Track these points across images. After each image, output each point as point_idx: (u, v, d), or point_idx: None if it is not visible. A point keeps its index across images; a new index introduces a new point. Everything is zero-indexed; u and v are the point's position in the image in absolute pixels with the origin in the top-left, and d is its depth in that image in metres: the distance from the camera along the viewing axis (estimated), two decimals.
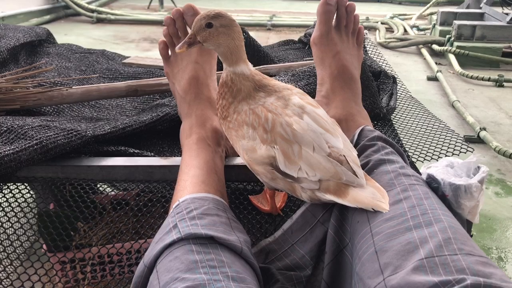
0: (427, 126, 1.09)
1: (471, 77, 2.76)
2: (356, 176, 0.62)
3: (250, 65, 0.70)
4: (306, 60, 1.27)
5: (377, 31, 3.95)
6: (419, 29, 4.07)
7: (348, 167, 0.63)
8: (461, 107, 2.31)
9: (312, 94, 1.01)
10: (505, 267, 1.31)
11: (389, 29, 4.07)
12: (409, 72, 2.99)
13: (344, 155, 0.64)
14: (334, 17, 0.92)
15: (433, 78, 2.83)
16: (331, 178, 0.62)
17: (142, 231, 0.90)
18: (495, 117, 2.32)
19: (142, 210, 0.83)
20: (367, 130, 0.77)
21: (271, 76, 1.17)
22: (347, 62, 0.89)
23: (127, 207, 0.89)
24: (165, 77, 1.06)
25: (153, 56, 2.82)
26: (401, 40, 3.56)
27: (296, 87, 1.06)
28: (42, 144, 0.80)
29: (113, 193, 0.96)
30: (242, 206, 0.82)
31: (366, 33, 1.36)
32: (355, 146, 0.74)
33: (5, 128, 0.85)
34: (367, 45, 1.45)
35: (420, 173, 0.70)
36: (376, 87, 1.15)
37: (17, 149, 0.78)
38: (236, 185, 0.88)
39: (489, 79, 2.73)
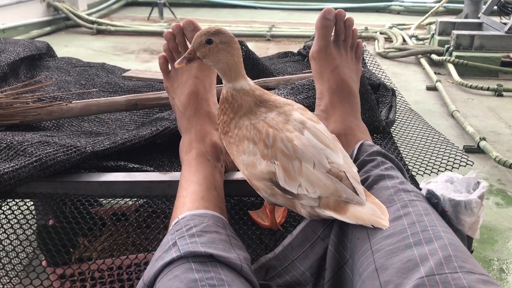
0: (427, 139, 1.09)
1: (470, 87, 2.77)
2: (356, 193, 0.62)
3: (249, 80, 0.70)
4: (305, 73, 1.27)
5: (376, 41, 3.97)
6: (418, 39, 4.09)
7: (348, 184, 0.63)
8: (460, 117, 2.31)
9: (311, 107, 1.01)
10: (506, 278, 1.30)
11: (388, 39, 4.09)
12: (408, 82, 3.00)
13: (344, 171, 0.64)
14: (333, 31, 0.92)
15: (432, 88, 2.84)
16: (331, 196, 0.62)
17: (142, 246, 0.90)
18: (494, 127, 2.32)
19: (142, 225, 0.83)
20: (367, 145, 0.77)
21: (270, 89, 1.18)
22: (346, 77, 0.90)
23: (127, 223, 0.89)
24: (165, 91, 1.06)
25: (153, 68, 2.84)
26: (400, 50, 3.58)
27: (295, 100, 1.06)
28: (42, 161, 0.80)
29: (113, 207, 0.95)
30: (242, 221, 0.82)
31: (365, 46, 1.36)
32: (354, 161, 0.74)
33: (5, 145, 0.85)
34: (366, 57, 1.46)
35: (420, 188, 0.70)
36: (375, 100, 1.15)
37: (16, 166, 0.78)
38: (236, 200, 0.88)
39: (488, 89, 2.74)
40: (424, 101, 2.66)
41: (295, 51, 1.67)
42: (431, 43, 3.77)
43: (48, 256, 0.83)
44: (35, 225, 0.86)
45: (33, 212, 0.86)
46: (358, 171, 0.70)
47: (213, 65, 0.69)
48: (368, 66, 1.43)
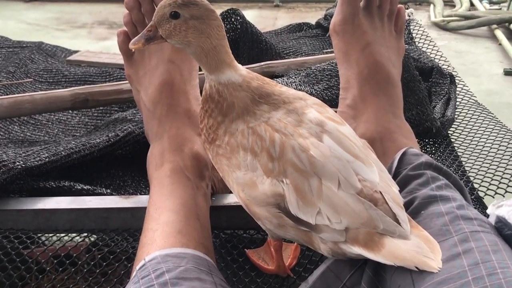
0: (500, 145, 1.09)
1: None
2: (398, 222, 0.63)
3: (239, 68, 0.71)
4: (326, 54, 1.29)
5: (432, 5, 3.98)
6: (491, 2, 4.10)
7: (386, 210, 0.63)
8: None
9: (335, 101, 1.02)
10: None
11: (449, 3, 4.10)
12: (478, 64, 3.01)
13: (380, 192, 0.65)
14: None
15: None
16: (363, 226, 0.63)
17: None
18: None
19: (95, 272, 0.84)
20: (411, 154, 0.78)
21: (276, 76, 1.19)
22: (382, 58, 0.91)
23: (74, 268, 0.90)
24: (127, 81, 1.08)
25: (112, 48, 2.85)
26: (466, 18, 3.58)
27: (312, 92, 1.08)
28: None
29: (54, 247, 0.97)
30: (236, 264, 0.83)
31: (411, 14, 1.37)
32: (394, 177, 0.75)
33: None
34: (414, 30, 1.47)
35: (487, 215, 0.71)
36: (426, 90, 1.16)
37: None
38: (228, 234, 0.89)
39: None
40: (502, 90, 2.66)
41: (313, 22, 1.69)
42: (511, 8, 3.77)
43: None
44: None
45: None
46: (400, 191, 0.71)
47: (184, 48, 0.70)
48: (417, 43, 1.45)
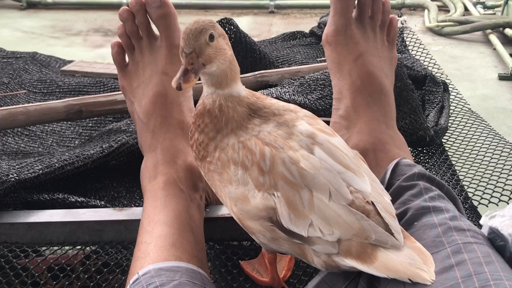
0: (493, 153, 1.10)
1: None
2: (391, 233, 0.63)
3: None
4: (320, 62, 1.29)
5: (426, 11, 3.99)
6: (485, 7, 4.11)
7: (379, 220, 0.64)
8: None
9: (328, 111, 1.02)
10: None
11: (443, 8, 4.12)
12: (473, 69, 3.02)
13: (372, 203, 0.65)
14: (355, 4, 0.94)
15: (507, 77, 2.85)
16: (355, 237, 0.63)
17: None
18: None
19: (89, 284, 0.84)
20: (404, 165, 0.78)
21: (270, 86, 1.20)
22: (375, 68, 0.91)
23: (68, 281, 0.90)
24: (121, 92, 1.08)
25: (107, 55, 2.85)
26: (461, 23, 3.59)
27: (305, 101, 1.08)
28: None
29: (48, 260, 0.97)
30: (230, 276, 0.83)
31: (404, 22, 1.38)
32: (387, 188, 0.75)
33: None
34: (407, 37, 1.48)
35: (480, 225, 0.71)
36: (420, 99, 1.16)
37: None
38: (223, 246, 0.89)
39: None
40: (496, 95, 2.66)
41: (308, 28, 1.69)
42: (505, 13, 3.78)
43: None
44: None
45: None
46: (393, 202, 0.71)
47: (214, 72, 0.67)
48: (411, 50, 1.45)
